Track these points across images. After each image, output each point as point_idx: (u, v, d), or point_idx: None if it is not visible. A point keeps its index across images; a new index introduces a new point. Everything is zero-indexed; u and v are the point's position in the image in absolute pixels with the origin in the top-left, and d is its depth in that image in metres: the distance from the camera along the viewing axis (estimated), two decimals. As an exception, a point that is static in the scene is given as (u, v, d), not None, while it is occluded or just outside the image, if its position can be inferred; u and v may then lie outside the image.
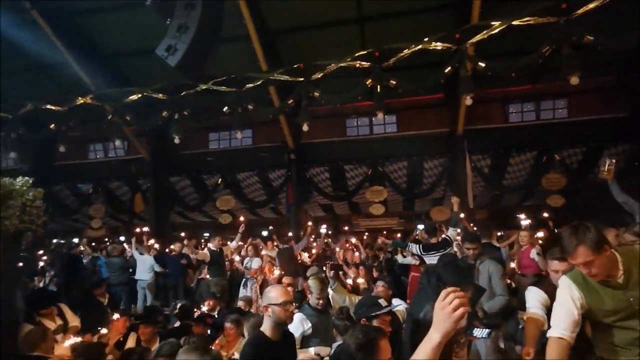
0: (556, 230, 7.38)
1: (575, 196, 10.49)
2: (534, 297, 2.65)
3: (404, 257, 6.62)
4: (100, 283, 5.76)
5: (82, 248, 9.57)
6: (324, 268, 6.68)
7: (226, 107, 7.32)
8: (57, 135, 8.50)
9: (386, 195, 11.41)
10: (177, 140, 7.76)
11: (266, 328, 2.32)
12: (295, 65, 6.83)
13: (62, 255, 8.67)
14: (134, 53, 9.41)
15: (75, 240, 12.08)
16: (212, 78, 7.26)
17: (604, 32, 5.26)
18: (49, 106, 8.16)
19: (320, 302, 3.63)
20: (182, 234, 8.74)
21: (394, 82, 6.39)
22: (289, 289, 5.00)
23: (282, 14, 8.49)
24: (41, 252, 8.71)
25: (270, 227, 9.55)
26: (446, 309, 1.09)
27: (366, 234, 9.22)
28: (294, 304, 2.59)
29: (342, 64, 6.54)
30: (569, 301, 1.96)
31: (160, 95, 7.50)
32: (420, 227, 9.75)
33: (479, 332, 2.60)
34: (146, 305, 7.55)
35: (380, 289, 4.24)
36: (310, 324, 3.49)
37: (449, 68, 6.03)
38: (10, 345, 3.25)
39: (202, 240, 11.40)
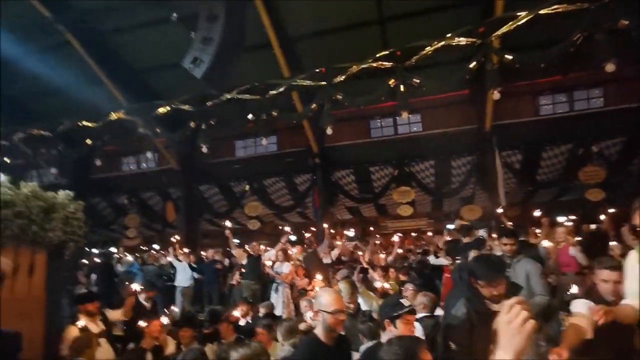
0: (597, 226, 7.02)
1: (617, 189, 9.95)
2: (582, 306, 2.50)
3: (437, 257, 6.48)
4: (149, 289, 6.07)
5: (121, 256, 9.95)
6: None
7: (251, 115, 7.44)
8: (93, 150, 8.91)
9: (414, 195, 11.23)
10: (204, 150, 7.95)
11: (319, 332, 2.31)
12: (317, 70, 6.86)
13: (102, 264, 9.06)
14: (161, 67, 9.75)
15: (113, 249, 12.60)
16: (236, 87, 7.40)
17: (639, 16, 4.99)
18: (84, 123, 8.56)
19: (351, 306, 3.61)
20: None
21: (418, 81, 6.29)
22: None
23: (302, 20, 8.57)
24: (84, 261, 9.15)
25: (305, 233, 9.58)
26: (513, 323, 0.94)
27: (397, 235, 9.03)
28: (345, 311, 2.56)
29: (364, 66, 6.51)
30: None
31: (187, 106, 7.72)
32: (450, 226, 9.54)
33: None
34: (183, 311, 7.74)
35: (410, 292, 4.16)
36: None
37: (474, 63, 5.88)
38: (56, 350, 3.41)
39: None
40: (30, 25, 8.46)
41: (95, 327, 3.94)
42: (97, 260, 9.96)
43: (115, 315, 4.60)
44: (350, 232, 9.84)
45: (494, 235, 6.92)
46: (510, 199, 10.64)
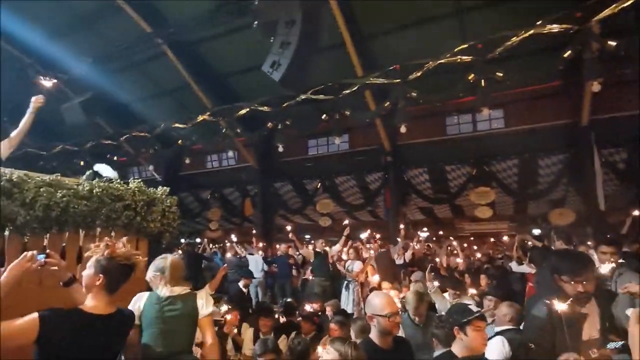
0: None
1: None
2: None
3: (520, 264, 6.00)
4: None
5: (206, 247, 10.86)
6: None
7: (324, 115, 7.61)
8: (183, 149, 9.85)
9: (494, 197, 10.49)
10: (280, 149, 8.33)
11: (374, 336, 2.28)
12: (391, 67, 6.77)
13: (190, 253, 9.96)
14: (242, 71, 10.36)
15: (198, 240, 13.78)
16: (311, 87, 7.63)
17: None
18: (176, 125, 9.51)
19: (417, 319, 3.47)
20: (289, 227, 9.17)
21: (501, 74, 5.88)
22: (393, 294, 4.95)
23: (376, 17, 8.48)
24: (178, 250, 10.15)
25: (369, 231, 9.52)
26: None
27: (471, 238, 8.55)
28: (399, 313, 2.53)
29: (441, 61, 6.28)
30: None
31: (266, 107, 8.16)
32: (536, 231, 8.73)
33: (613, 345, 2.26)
34: (258, 301, 8.22)
35: (492, 302, 3.85)
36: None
37: (569, 52, 5.32)
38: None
39: (304, 242, 11.96)
40: (134, 39, 9.58)
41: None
42: (185, 248, 11.00)
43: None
44: (424, 233, 9.55)
45: (589, 243, 6.22)
46: (610, 203, 9.41)
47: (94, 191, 3.11)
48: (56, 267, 1.93)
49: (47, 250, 1.99)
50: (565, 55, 5.41)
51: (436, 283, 4.77)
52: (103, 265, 1.84)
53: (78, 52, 9.85)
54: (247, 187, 13.44)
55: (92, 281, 1.84)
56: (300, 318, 4.91)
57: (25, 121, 3.85)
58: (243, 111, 8.62)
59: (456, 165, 10.80)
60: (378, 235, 9.93)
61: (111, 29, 9.83)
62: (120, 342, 1.96)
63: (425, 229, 10.20)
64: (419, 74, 6.48)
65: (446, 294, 4.62)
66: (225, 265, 5.68)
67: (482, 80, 6.00)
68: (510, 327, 2.95)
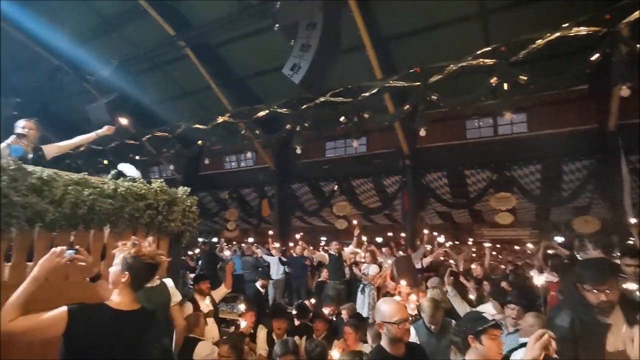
0: None
1: None
2: None
3: (541, 272, 5.82)
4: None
5: (224, 245, 10.99)
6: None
7: (343, 117, 7.60)
8: (203, 150, 10.01)
9: (515, 202, 10.26)
10: (298, 151, 8.36)
11: (385, 343, 2.25)
12: (412, 70, 6.71)
13: (207, 252, 10.12)
14: (262, 73, 10.47)
15: (215, 239, 13.97)
16: (330, 90, 7.63)
17: None
18: (197, 125, 9.67)
19: (433, 327, 3.42)
20: (297, 236, 9.31)
21: (525, 78, 5.75)
22: (407, 301, 4.89)
23: (397, 20, 8.43)
24: (197, 250, 10.35)
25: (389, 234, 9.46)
26: None
27: (488, 244, 8.31)
28: (409, 319, 2.49)
29: (463, 64, 6.18)
30: None
31: (284, 110, 8.21)
32: (559, 239, 8.45)
33: None
34: (274, 302, 8.26)
35: (515, 312, 3.72)
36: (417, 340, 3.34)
37: (597, 55, 5.16)
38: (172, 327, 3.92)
39: (319, 245, 11.97)
40: (158, 42, 9.80)
41: (205, 307, 4.45)
42: (202, 248, 11.18)
43: (219, 293, 5.05)
44: (441, 238, 9.41)
45: (616, 254, 6.00)
46: (638, 211, 9.08)
47: (118, 190, 3.19)
48: (84, 263, 2.00)
49: (76, 247, 2.06)
50: (593, 58, 5.24)
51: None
52: (129, 263, 1.90)
53: (105, 54, 10.16)
54: (264, 188, 13.55)
55: (118, 278, 1.90)
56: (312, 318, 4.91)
57: (83, 138, 4.06)
58: (262, 113, 8.70)
59: (476, 169, 10.62)
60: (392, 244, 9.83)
61: (136, 32, 10.10)
62: (143, 338, 2.00)
63: (442, 234, 10.05)
64: (440, 76, 6.40)
65: (488, 305, 4.40)
66: (232, 261, 5.72)
67: (505, 84, 5.88)
68: None
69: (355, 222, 7.89)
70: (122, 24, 10.04)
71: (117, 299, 1.89)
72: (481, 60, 6.04)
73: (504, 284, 4.81)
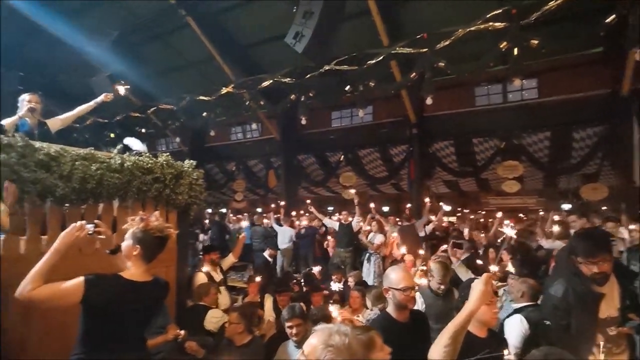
0: None
1: None
2: None
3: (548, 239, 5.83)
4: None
5: (240, 217, 11.19)
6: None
7: (348, 86, 7.46)
8: (208, 122, 9.98)
9: (522, 170, 10.17)
10: (304, 121, 8.29)
11: (391, 309, 2.33)
12: (418, 36, 6.51)
13: (216, 223, 10.32)
14: (265, 41, 10.18)
15: (223, 210, 14.20)
16: (335, 58, 7.45)
17: None
18: (201, 97, 9.59)
19: (442, 287, 3.53)
20: (308, 202, 9.35)
21: (536, 42, 5.55)
22: (412, 270, 5.01)
23: (404, -18, 8.08)
24: (206, 221, 10.54)
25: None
26: None
27: (499, 213, 8.31)
28: (415, 288, 2.58)
29: (472, 28, 5.96)
30: None
31: (288, 79, 8.07)
32: (566, 207, 8.46)
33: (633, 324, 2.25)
34: (282, 270, 8.50)
35: (513, 282, 3.81)
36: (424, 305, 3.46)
37: (613, 16, 4.94)
38: (185, 294, 4.09)
39: (326, 214, 12.09)
40: (159, 11, 9.55)
41: (217, 276, 4.62)
42: (212, 219, 11.39)
43: (227, 262, 5.21)
44: (447, 207, 9.43)
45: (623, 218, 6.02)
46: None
47: (125, 165, 3.24)
48: (104, 236, 2.09)
49: (96, 221, 2.14)
50: (609, 20, 5.02)
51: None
52: (139, 236, 1.98)
53: (104, 25, 9.95)
54: (270, 159, 13.57)
55: (130, 251, 1.98)
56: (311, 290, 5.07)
57: (83, 108, 4.07)
58: (266, 83, 8.58)
59: (484, 137, 10.47)
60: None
61: (136, 1, 9.82)
62: (155, 307, 2.11)
63: (448, 203, 10.05)
64: (447, 42, 6.20)
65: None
66: (244, 234, 5.85)
67: (516, 49, 5.69)
68: (527, 303, 2.94)
69: (352, 191, 7.84)
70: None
71: (131, 270, 1.99)
72: (491, 24, 5.82)
73: (503, 253, 4.84)
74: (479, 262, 5.45)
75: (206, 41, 9.95)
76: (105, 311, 1.84)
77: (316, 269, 6.51)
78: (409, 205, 9.58)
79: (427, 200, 8.12)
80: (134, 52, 10.76)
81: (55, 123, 3.93)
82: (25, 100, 3.66)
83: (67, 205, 2.94)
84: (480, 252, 6.02)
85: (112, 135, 11.86)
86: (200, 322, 3.71)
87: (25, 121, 3.52)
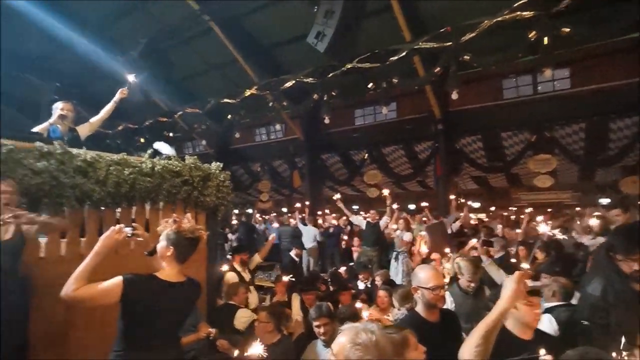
0: None
1: None
2: None
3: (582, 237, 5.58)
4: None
5: (257, 216, 11.36)
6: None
7: (371, 83, 7.41)
8: (233, 124, 10.16)
9: (555, 164, 9.77)
10: (326, 120, 8.30)
11: (420, 309, 2.29)
12: (442, 29, 6.36)
13: (243, 223, 10.49)
14: (287, 42, 10.26)
15: (249, 210, 14.41)
16: (357, 56, 7.40)
17: None
18: (225, 100, 9.77)
19: (472, 284, 3.44)
20: (337, 195, 9.30)
21: (567, 30, 5.31)
22: (440, 268, 4.92)
23: (425, -25, 7.93)
24: (233, 221, 10.75)
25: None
26: None
27: (530, 209, 8.00)
28: (445, 287, 2.52)
29: (498, 19, 5.78)
30: None
31: (311, 79, 8.09)
32: (604, 201, 8.02)
33: None
34: (309, 269, 8.54)
35: (546, 281, 3.66)
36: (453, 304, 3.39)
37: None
38: (216, 294, 4.18)
39: (352, 212, 12.03)
40: (183, 18, 9.80)
41: (246, 276, 4.71)
42: (239, 219, 11.59)
43: (254, 262, 5.29)
44: (475, 204, 9.20)
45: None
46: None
47: (156, 168, 3.34)
48: (142, 239, 2.17)
49: (133, 224, 2.23)
50: (648, 3, 4.75)
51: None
52: (172, 238, 2.05)
53: (133, 33, 10.31)
54: (295, 159, 13.66)
55: (164, 252, 2.06)
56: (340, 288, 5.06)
57: (108, 109, 4.19)
58: (289, 84, 8.64)
59: (513, 131, 10.14)
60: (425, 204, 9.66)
61: (162, 9, 10.12)
62: (189, 307, 2.17)
63: (477, 199, 9.82)
64: (473, 34, 6.02)
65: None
66: (273, 235, 5.93)
67: (546, 38, 5.47)
68: (559, 303, 2.81)
69: (386, 191, 7.71)
70: (147, 1, 10.08)
71: (165, 271, 2.06)
72: (518, 13, 5.62)
73: (536, 252, 4.66)
74: (513, 260, 5.28)
75: (229, 44, 10.13)
76: (143, 310, 1.92)
77: (342, 268, 6.51)
78: (424, 204, 9.35)
79: (452, 197, 7.95)
80: (161, 58, 11.08)
81: (85, 129, 4.05)
82: (58, 108, 3.78)
83: (102, 208, 3.07)
84: (513, 250, 5.82)
85: (142, 140, 12.28)
86: (230, 321, 3.79)
87: (57, 128, 3.64)
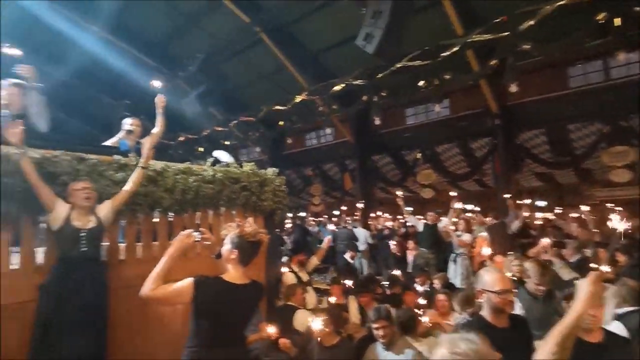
0: None
1: None
2: None
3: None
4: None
5: (310, 219, 11.54)
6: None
7: (422, 82, 7.23)
8: (285, 130, 10.43)
9: (634, 156, 8.81)
10: (377, 121, 8.23)
11: (486, 313, 2.18)
12: (498, 20, 6.04)
13: (298, 226, 10.72)
14: (335, 46, 10.33)
15: (303, 214, 14.66)
16: (406, 54, 7.26)
17: None
18: (276, 107, 10.07)
19: (540, 288, 3.22)
20: (399, 192, 9.13)
21: (643, 8, 4.80)
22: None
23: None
24: (288, 225, 11.05)
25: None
26: None
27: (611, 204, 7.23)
28: (513, 291, 2.38)
29: (561, 2, 5.37)
30: None
31: (359, 81, 8.08)
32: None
33: None
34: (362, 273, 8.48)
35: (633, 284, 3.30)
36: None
37: None
38: (275, 295, 4.31)
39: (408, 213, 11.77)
40: (234, 31, 10.29)
41: (304, 276, 4.81)
42: (294, 222, 11.85)
43: (311, 264, 5.38)
44: (541, 202, 8.56)
45: None
46: None
47: (217, 176, 3.53)
48: (209, 242, 2.32)
49: (201, 229, 2.39)
50: None
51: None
52: (236, 241, 2.17)
53: (191, 50, 11.01)
54: (345, 162, 13.68)
55: (228, 255, 2.18)
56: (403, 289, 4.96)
57: (160, 121, 4.50)
58: (338, 87, 8.70)
59: (582, 122, 9.33)
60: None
61: (215, 24, 10.70)
62: (253, 308, 2.27)
63: (542, 197, 9.11)
64: (532, 22, 5.64)
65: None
66: (329, 237, 5.97)
67: (617, 19, 4.98)
68: (630, 308, 2.54)
69: (452, 193, 7.42)
70: (201, 19, 10.71)
71: (230, 273, 2.17)
72: (584, -6, 5.18)
73: (617, 254, 4.22)
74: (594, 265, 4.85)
75: (278, 52, 10.43)
76: (212, 310, 2.04)
77: (395, 271, 6.39)
78: (469, 207, 8.77)
79: (507, 196, 7.46)
80: (215, 71, 11.69)
81: (149, 143, 4.39)
82: (127, 124, 4.12)
83: (170, 214, 3.31)
84: (588, 251, 5.34)
85: (200, 149, 13.02)
86: (289, 322, 3.88)
87: (124, 142, 3.96)
